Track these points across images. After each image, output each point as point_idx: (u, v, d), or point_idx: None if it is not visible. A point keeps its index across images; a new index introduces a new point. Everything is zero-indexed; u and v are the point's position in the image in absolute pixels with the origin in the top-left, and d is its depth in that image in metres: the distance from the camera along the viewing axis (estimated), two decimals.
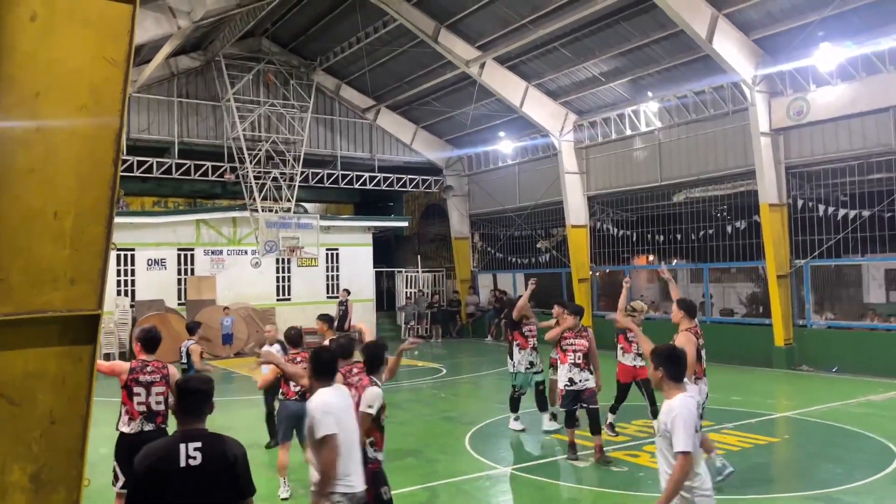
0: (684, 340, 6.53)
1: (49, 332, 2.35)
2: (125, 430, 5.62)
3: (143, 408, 5.62)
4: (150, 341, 5.87)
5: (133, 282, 19.92)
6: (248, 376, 15.11)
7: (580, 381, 8.19)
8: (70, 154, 2.30)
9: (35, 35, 2.21)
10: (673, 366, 3.99)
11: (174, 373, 5.76)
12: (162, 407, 5.68)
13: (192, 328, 9.47)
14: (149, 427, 5.59)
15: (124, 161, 19.34)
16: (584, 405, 8.18)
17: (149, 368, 5.72)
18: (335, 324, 18.85)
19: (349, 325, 19.05)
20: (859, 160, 14.19)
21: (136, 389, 5.63)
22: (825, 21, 13.41)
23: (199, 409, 3.31)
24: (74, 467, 2.42)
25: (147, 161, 19.99)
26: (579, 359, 8.25)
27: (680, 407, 3.83)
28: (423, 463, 8.42)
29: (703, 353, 7.30)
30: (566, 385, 8.25)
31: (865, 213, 14.14)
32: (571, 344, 8.34)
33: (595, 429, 8.09)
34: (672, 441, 3.79)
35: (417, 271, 24.89)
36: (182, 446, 3.15)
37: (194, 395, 3.32)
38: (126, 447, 5.50)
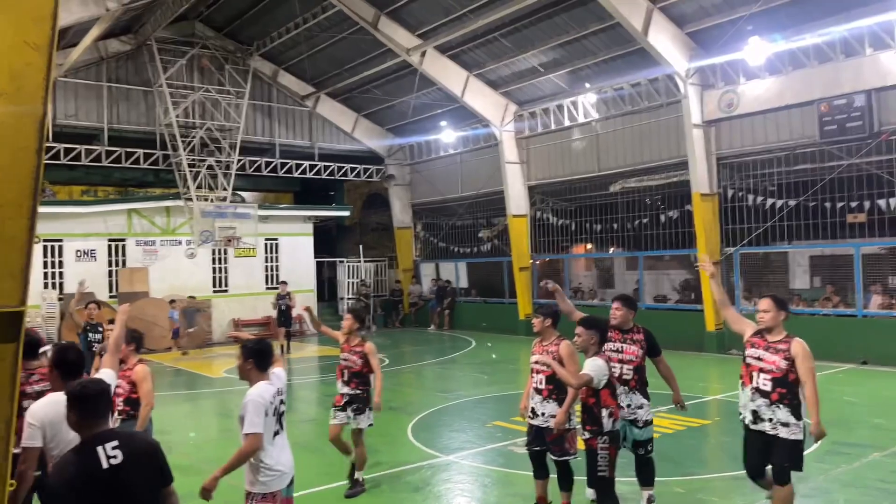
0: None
1: None
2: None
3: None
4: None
5: (61, 274, 19.14)
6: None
7: (541, 412, 5.73)
8: None
9: None
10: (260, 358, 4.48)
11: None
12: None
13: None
14: None
15: (51, 148, 18.52)
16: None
17: (34, 377, 4.89)
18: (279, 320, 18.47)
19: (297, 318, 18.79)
20: (786, 152, 14.79)
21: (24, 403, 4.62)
22: (754, 16, 13.88)
23: (104, 410, 3.31)
24: None
25: (75, 148, 19.21)
26: (540, 382, 5.75)
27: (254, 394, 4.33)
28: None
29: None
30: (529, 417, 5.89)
31: (792, 203, 14.77)
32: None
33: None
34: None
35: (359, 261, 24.75)
36: (100, 449, 3.13)
37: (96, 399, 3.27)
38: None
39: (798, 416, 5.12)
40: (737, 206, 15.72)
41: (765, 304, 5.33)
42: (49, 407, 3.99)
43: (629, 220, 18.06)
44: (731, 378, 13.21)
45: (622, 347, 6.01)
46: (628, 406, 5.87)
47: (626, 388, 5.88)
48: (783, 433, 5.12)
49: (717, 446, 8.90)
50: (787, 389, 5.11)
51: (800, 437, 5.15)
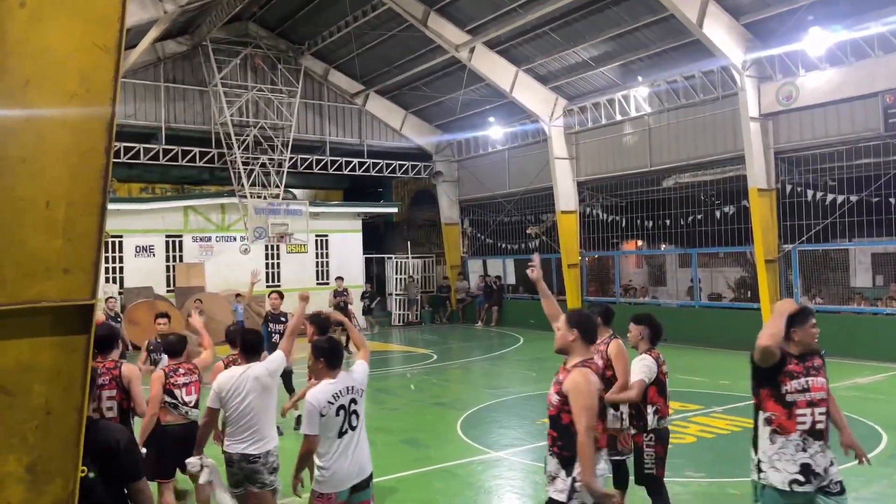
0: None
1: (43, 323, 2.32)
2: None
3: (96, 414, 4.96)
4: (99, 341, 5.24)
5: (121, 269, 19.80)
6: None
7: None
8: (61, 143, 2.27)
9: (24, 22, 2.17)
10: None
11: (128, 373, 5.22)
12: (114, 413, 5.16)
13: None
14: None
15: None
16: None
17: (98, 370, 5.02)
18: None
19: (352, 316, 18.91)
20: (847, 145, 14.27)
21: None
22: (815, 5, 13.43)
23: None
24: (70, 458, 2.41)
25: (134, 147, 19.81)
26: None
27: (310, 395, 4.34)
28: (415, 448, 8.46)
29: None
30: None
31: (853, 198, 14.25)
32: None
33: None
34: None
35: (407, 257, 24.89)
36: None
37: None
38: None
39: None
40: (795, 201, 15.25)
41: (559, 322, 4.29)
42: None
43: (682, 216, 17.70)
44: None
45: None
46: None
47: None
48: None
49: None
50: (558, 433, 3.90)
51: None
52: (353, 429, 4.34)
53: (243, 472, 4.96)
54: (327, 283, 21.72)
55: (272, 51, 21.86)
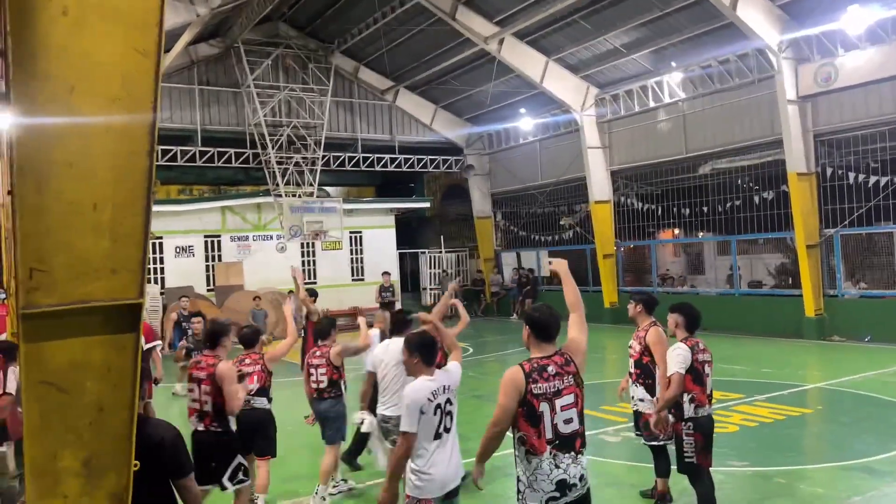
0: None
1: (93, 322, 2.39)
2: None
3: (196, 405, 5.33)
4: (207, 336, 5.68)
5: (162, 269, 20.22)
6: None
7: (632, 396, 6.12)
8: (106, 146, 2.33)
9: (67, 29, 2.23)
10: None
11: (223, 372, 5.26)
12: (209, 408, 5.25)
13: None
14: (199, 427, 5.27)
15: None
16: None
17: (201, 363, 5.40)
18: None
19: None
20: (890, 126, 13.87)
21: (189, 385, 5.41)
22: None
23: None
24: (123, 453, 2.48)
25: (171, 150, 20.18)
26: (630, 366, 6.09)
27: (409, 391, 4.07)
28: None
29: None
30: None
31: None
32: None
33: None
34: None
35: (441, 252, 24.92)
36: None
37: None
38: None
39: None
40: (836, 184, 14.88)
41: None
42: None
43: (720, 202, 17.40)
44: (831, 366, 12.60)
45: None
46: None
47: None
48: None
49: (818, 435, 8.51)
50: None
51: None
52: (448, 431, 4.15)
53: (383, 431, 5.77)
54: (362, 280, 21.89)
55: (302, 50, 22.05)
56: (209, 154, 20.94)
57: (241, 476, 5.25)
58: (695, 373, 5.15)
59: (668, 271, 20.69)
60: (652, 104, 18.47)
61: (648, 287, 19.05)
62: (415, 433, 3.94)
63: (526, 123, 22.20)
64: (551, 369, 3.61)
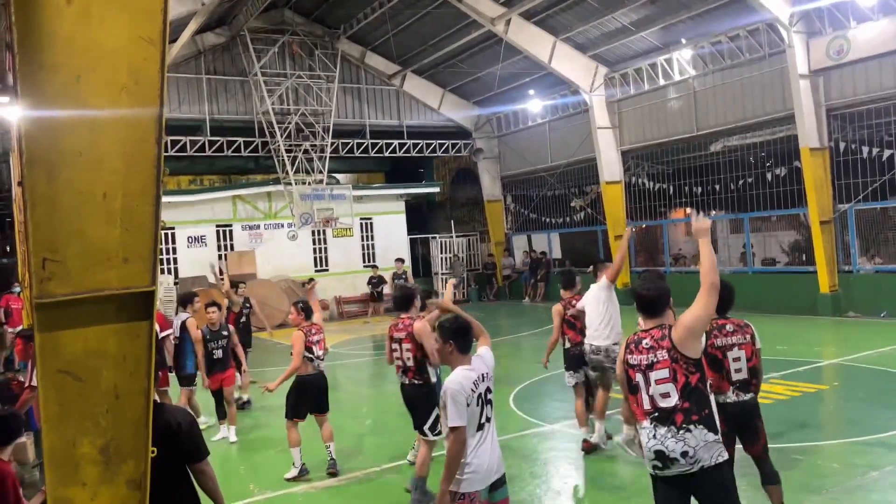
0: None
1: (107, 311, 2.41)
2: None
3: (399, 362, 6.29)
4: (398, 301, 6.55)
5: (175, 259, 20.33)
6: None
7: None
8: (115, 135, 2.34)
9: (73, 19, 2.23)
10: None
11: (419, 329, 6.04)
12: (411, 363, 6.17)
13: (184, 301, 8.86)
14: (405, 381, 6.28)
15: None
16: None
17: (398, 325, 6.27)
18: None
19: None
20: None
21: (392, 346, 6.32)
22: None
23: None
24: (140, 439, 2.50)
25: (180, 140, 20.22)
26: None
27: (452, 382, 3.80)
28: None
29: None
30: None
31: None
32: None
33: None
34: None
35: (451, 236, 24.91)
36: None
37: None
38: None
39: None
40: (850, 159, 14.71)
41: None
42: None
43: (732, 180, 17.25)
44: (847, 342, 12.53)
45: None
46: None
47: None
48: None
49: (833, 412, 8.48)
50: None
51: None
52: (489, 420, 3.92)
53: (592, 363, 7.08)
54: (376, 266, 21.91)
55: (309, 37, 21.96)
56: (218, 143, 20.96)
57: (440, 427, 5.41)
58: (708, 357, 4.75)
59: (680, 251, 20.58)
60: (662, 82, 18.28)
61: (661, 268, 18.98)
62: (464, 426, 3.73)
63: (535, 105, 22.05)
64: (646, 342, 3.66)
